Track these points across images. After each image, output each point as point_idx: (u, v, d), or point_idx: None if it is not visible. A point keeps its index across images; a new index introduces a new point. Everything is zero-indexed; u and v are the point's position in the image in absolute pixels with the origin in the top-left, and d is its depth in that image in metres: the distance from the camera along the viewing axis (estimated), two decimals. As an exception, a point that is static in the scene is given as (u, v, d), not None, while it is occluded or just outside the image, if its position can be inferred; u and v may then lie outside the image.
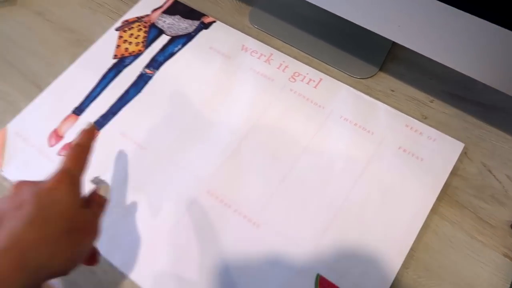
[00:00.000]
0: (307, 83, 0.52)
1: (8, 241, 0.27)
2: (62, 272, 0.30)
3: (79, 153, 0.36)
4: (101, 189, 0.40)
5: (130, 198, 0.46)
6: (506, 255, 0.42)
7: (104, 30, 0.60)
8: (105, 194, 0.40)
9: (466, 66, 0.42)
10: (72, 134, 0.51)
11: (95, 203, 0.37)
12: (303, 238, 0.43)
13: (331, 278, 0.41)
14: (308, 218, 0.44)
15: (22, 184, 0.33)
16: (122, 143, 0.50)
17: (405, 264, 0.42)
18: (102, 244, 0.44)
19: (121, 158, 0.49)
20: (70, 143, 0.40)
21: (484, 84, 0.46)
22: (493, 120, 0.49)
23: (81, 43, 0.59)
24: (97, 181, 0.47)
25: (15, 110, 0.54)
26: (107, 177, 0.48)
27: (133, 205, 0.46)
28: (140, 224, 0.45)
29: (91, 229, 0.34)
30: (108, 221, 0.44)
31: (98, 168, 0.48)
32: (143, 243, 0.44)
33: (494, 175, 0.46)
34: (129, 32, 0.59)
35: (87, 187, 0.46)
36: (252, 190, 0.46)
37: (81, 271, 0.38)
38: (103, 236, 0.43)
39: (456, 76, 0.51)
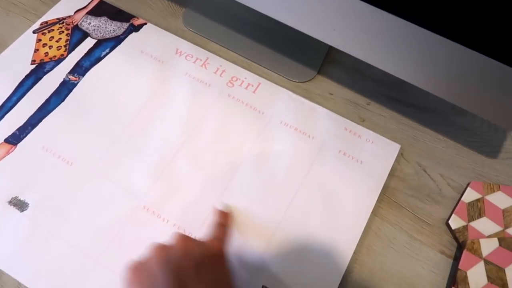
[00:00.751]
0: (246, 88, 0.51)
1: None
2: None
3: (224, 229, 0.40)
4: None
5: (55, 220, 0.42)
6: (442, 252, 0.43)
7: (19, 32, 0.54)
8: None
9: (399, 69, 0.42)
10: (-16, 150, 0.45)
11: None
12: (246, 251, 0.41)
13: (277, 290, 0.40)
14: (252, 229, 0.42)
15: (187, 240, 0.35)
16: (44, 158, 0.45)
17: (349, 269, 0.42)
18: (23, 273, 0.39)
19: (43, 175, 0.44)
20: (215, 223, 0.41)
21: (417, 87, 0.48)
22: (426, 121, 0.50)
23: (-8, 46, 0.53)
24: (15, 201, 0.42)
25: None
26: (27, 196, 0.42)
27: (60, 228, 0.41)
28: (66, 249, 0.40)
29: None
30: (30, 246, 0.40)
31: (17, 187, 0.43)
32: (69, 270, 0.39)
33: (429, 175, 0.47)
34: (49, 35, 0.53)
35: (3, 208, 0.41)
36: (192, 204, 0.43)
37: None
38: (25, 264, 0.39)
39: (391, 79, 0.52)
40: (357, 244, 0.42)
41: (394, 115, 0.51)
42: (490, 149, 0.49)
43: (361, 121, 0.50)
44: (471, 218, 0.43)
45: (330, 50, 0.55)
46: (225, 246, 0.38)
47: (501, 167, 0.48)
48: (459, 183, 0.47)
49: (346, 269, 0.41)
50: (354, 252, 0.42)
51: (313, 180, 0.45)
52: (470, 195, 0.45)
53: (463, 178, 0.47)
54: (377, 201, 0.44)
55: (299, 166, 0.46)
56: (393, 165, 0.47)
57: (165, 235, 0.41)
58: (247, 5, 0.45)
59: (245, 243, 0.42)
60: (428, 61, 0.39)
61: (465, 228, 0.43)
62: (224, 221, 0.41)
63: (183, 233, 0.38)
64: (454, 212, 0.44)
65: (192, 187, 0.44)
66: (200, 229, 0.42)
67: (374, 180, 0.45)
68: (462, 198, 0.45)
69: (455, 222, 0.43)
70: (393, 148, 0.48)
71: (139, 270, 0.33)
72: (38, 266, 0.40)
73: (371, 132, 0.49)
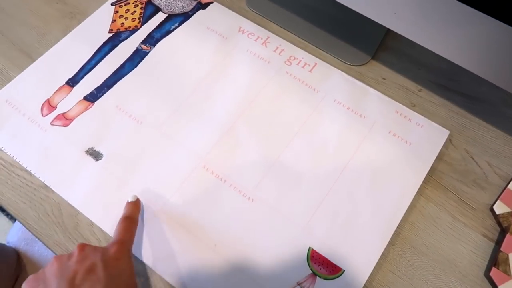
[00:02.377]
0: (302, 67, 0.54)
1: None
2: None
3: (129, 224, 0.41)
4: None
5: (125, 171, 0.46)
6: (484, 235, 0.44)
7: (98, 4, 0.59)
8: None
9: (455, 54, 0.44)
10: (65, 104, 0.50)
11: None
12: (296, 214, 0.44)
13: (322, 251, 0.42)
14: (301, 195, 0.45)
15: (85, 246, 0.37)
16: (117, 116, 0.49)
17: (392, 241, 0.44)
18: (95, 213, 0.44)
19: (116, 131, 0.49)
20: (122, 217, 0.42)
21: (469, 76, 0.49)
22: (477, 111, 0.52)
23: (74, 15, 0.58)
24: (91, 151, 0.47)
25: (4, 79, 0.53)
26: (102, 148, 0.47)
27: (128, 178, 0.46)
28: (131, 195, 0.45)
29: None
30: (102, 191, 0.45)
31: (93, 139, 0.48)
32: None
33: (476, 162, 0.48)
34: (125, 7, 0.58)
35: (81, 157, 0.46)
36: (247, 167, 0.47)
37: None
38: (97, 206, 0.43)
39: (444, 67, 0.54)
40: (401, 220, 0.44)
41: (445, 103, 0.52)
42: (540, 142, 0.50)
43: (412, 106, 0.52)
44: (516, 203, 0.44)
45: (385, 37, 0.57)
46: (125, 246, 0.39)
47: (550, 160, 0.48)
48: (506, 172, 0.48)
49: (389, 241, 0.43)
50: (397, 227, 0.44)
51: (362, 155, 0.47)
52: (517, 183, 0.46)
53: (510, 167, 0.48)
54: (423, 182, 0.46)
55: (350, 142, 0.48)
56: (441, 150, 0.48)
57: (220, 193, 0.45)
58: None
59: (293, 208, 0.45)
60: (485, 47, 0.41)
61: (509, 214, 0.44)
62: (131, 213, 0.42)
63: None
64: (499, 198, 0.45)
65: (249, 151, 0.48)
66: (254, 190, 0.45)
67: (422, 162, 0.47)
68: (509, 186, 0.46)
69: (500, 208, 0.45)
70: (442, 133, 0.49)
71: (35, 281, 0.35)
72: (107, 208, 0.44)
73: (421, 116, 0.50)
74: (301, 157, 0.48)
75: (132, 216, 0.42)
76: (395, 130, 0.49)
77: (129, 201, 0.43)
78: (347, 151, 0.48)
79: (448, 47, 0.43)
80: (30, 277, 0.36)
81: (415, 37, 0.45)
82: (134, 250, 0.42)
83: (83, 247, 0.37)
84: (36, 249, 0.71)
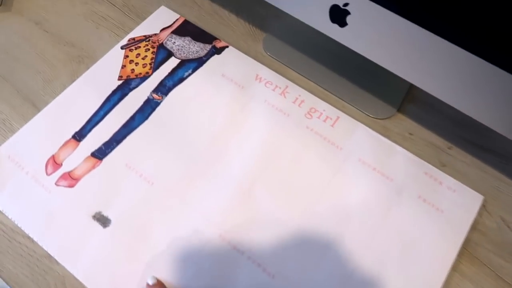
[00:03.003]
0: (324, 121, 0.50)
1: None
2: None
3: None
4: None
5: (135, 239, 0.43)
6: (524, 317, 0.41)
7: (107, 46, 0.56)
8: None
9: (486, 116, 0.41)
10: (71, 161, 0.47)
11: None
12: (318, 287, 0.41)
13: (349, 338, 0.39)
14: (325, 271, 0.42)
15: None
16: (126, 175, 0.46)
17: (424, 323, 0.40)
18: (101, 285, 0.40)
19: (126, 193, 0.45)
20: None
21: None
22: (512, 173, 0.48)
23: (82, 59, 0.55)
24: (98, 217, 0.44)
25: (7, 130, 0.50)
26: (110, 213, 0.44)
27: (138, 248, 0.42)
28: (142, 267, 0.41)
29: None
30: (110, 263, 0.41)
31: (101, 203, 0.45)
32: (147, 291, 0.41)
33: (513, 231, 0.45)
34: (135, 51, 0.55)
35: (87, 223, 0.43)
36: (266, 237, 0.43)
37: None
38: (103, 277, 0.40)
39: (476, 123, 0.50)
40: (433, 298, 0.41)
41: (477, 163, 0.49)
42: None
43: (442, 166, 0.49)
44: (562, 288, 0.41)
45: (412, 87, 0.54)
46: None
47: None
48: (546, 243, 0.44)
49: (420, 324, 0.40)
50: (429, 306, 0.41)
51: (391, 225, 0.44)
52: (560, 259, 0.42)
53: (551, 239, 0.44)
54: (457, 255, 0.43)
55: (377, 208, 0.45)
56: (475, 218, 0.45)
57: (238, 267, 0.42)
58: (333, 38, 0.45)
59: (317, 286, 0.41)
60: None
61: (552, 295, 0.40)
62: None
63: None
64: (540, 276, 0.42)
65: (268, 218, 0.44)
66: (275, 264, 0.42)
67: (455, 232, 0.44)
68: (550, 262, 0.42)
69: (541, 287, 0.41)
70: (476, 199, 0.46)
71: None
72: (116, 283, 0.41)
73: (452, 179, 0.47)
74: (324, 227, 0.44)
75: None
76: (425, 195, 0.46)
77: (150, 284, 0.40)
78: (375, 220, 0.44)
79: (474, 106, 0.40)
80: None
81: (441, 93, 0.42)
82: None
83: None
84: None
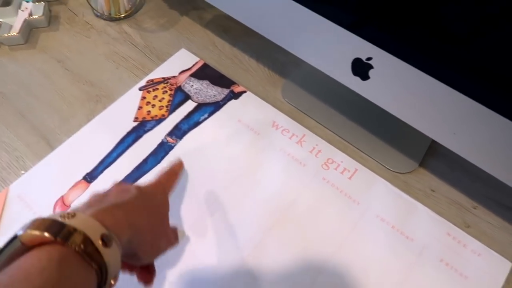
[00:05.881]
0: (341, 173, 0.48)
1: (117, 202, 0.31)
2: (144, 253, 0.32)
3: (171, 175, 0.42)
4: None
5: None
6: None
7: (126, 87, 0.56)
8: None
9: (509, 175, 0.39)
10: (79, 202, 0.46)
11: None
12: None
13: None
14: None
15: (122, 182, 0.40)
16: (134, 222, 0.45)
17: None
18: None
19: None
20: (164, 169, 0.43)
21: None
22: (542, 238, 0.45)
23: (100, 98, 0.55)
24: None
25: (20, 167, 0.49)
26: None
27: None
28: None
29: (174, 236, 0.38)
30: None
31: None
32: None
33: (544, 303, 0.41)
34: (153, 93, 0.55)
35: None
36: (277, 293, 0.41)
37: None
38: None
39: (502, 182, 0.48)
40: None
41: (505, 225, 0.46)
42: None
43: (466, 227, 0.46)
44: None
45: (434, 141, 0.51)
46: (163, 186, 0.39)
47: None
48: None
49: None
50: None
51: (409, 286, 0.41)
52: None
53: None
54: (483, 327, 0.39)
55: (395, 270, 0.42)
56: (503, 285, 0.42)
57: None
58: (356, 91, 0.44)
59: None
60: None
61: None
62: (173, 167, 0.44)
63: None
64: None
65: (280, 274, 0.42)
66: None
67: (481, 302, 0.40)
68: None
69: None
70: (504, 265, 0.43)
71: None
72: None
73: (478, 242, 0.44)
74: (339, 283, 0.41)
75: (174, 170, 0.43)
76: (448, 259, 0.43)
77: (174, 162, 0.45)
78: (392, 281, 0.41)
79: (499, 165, 0.38)
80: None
81: (468, 155, 0.40)
82: None
83: (120, 182, 0.38)
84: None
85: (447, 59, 0.36)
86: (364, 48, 0.40)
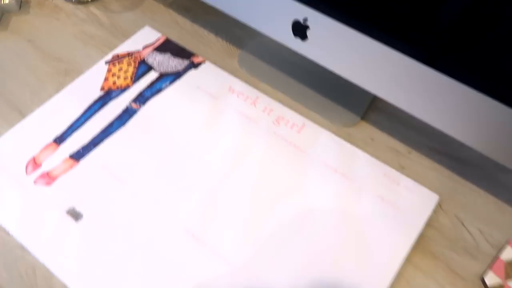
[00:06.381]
0: (291, 128, 0.54)
1: None
2: None
3: None
4: None
5: (103, 233, 0.45)
6: (477, 310, 0.42)
7: (93, 62, 0.60)
8: None
9: (442, 122, 0.44)
10: (50, 163, 0.50)
11: None
12: (279, 282, 0.43)
13: (305, 326, 0.40)
14: (284, 262, 0.44)
15: None
16: (101, 176, 0.49)
17: (379, 315, 0.42)
18: (73, 277, 0.42)
19: (99, 191, 0.48)
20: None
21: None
22: (468, 175, 0.51)
23: (68, 72, 0.60)
24: (72, 212, 0.46)
25: (-6, 135, 0.53)
26: (82, 208, 0.47)
27: (106, 240, 0.45)
28: (112, 260, 0.43)
29: None
30: (80, 253, 0.44)
31: (74, 199, 0.47)
32: (115, 279, 0.42)
33: (466, 228, 0.47)
34: (118, 66, 0.59)
35: (61, 217, 0.46)
36: (230, 232, 0.46)
37: None
38: (73, 272, 0.42)
39: (435, 130, 0.54)
40: (388, 290, 0.43)
41: (435, 166, 0.52)
42: (534, 209, 0.48)
43: (401, 168, 0.51)
44: (508, 276, 0.42)
45: (375, 98, 0.57)
46: None
47: (545, 228, 0.47)
48: (497, 240, 0.46)
49: (376, 314, 0.41)
50: (384, 298, 0.42)
51: (348, 220, 0.46)
52: (510, 253, 0.44)
53: (503, 235, 0.46)
54: (412, 249, 0.45)
55: (336, 206, 0.47)
56: (431, 215, 0.47)
57: (201, 259, 0.44)
58: (301, 53, 0.49)
59: (276, 275, 0.43)
60: (473, 119, 0.40)
61: (501, 286, 0.42)
62: None
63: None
64: (490, 268, 0.43)
65: (232, 216, 0.47)
66: (236, 256, 0.44)
67: (410, 228, 0.46)
68: (501, 256, 0.44)
69: (491, 279, 0.43)
70: (432, 198, 0.48)
71: None
72: (84, 272, 0.43)
73: (410, 180, 0.49)
74: (286, 222, 0.46)
75: None
76: (383, 194, 0.48)
77: None
78: (333, 216, 0.47)
79: (433, 115, 0.43)
80: None
81: (402, 104, 0.45)
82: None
83: None
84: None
85: (375, 17, 0.40)
86: (300, 10, 0.45)
